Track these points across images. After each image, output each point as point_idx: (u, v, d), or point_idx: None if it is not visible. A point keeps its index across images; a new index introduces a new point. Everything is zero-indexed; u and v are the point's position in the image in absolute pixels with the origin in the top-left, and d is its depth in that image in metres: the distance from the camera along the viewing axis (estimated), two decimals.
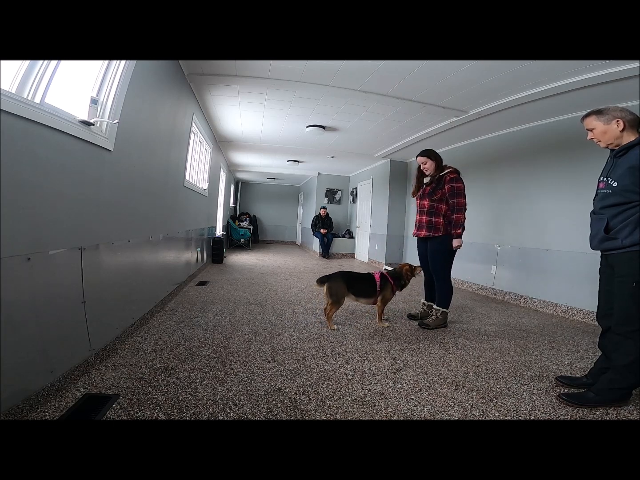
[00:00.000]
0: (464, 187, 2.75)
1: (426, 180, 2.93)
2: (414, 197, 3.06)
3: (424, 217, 2.83)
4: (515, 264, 4.09)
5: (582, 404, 1.60)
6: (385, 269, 3.06)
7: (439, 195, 2.76)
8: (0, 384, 1.14)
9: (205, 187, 5.18)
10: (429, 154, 2.83)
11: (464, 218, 2.72)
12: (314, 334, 2.53)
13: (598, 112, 1.60)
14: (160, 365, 1.86)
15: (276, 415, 1.43)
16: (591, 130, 1.64)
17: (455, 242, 2.72)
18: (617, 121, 1.54)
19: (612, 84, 2.63)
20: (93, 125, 1.73)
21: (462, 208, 2.71)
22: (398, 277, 2.83)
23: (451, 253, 2.79)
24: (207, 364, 1.90)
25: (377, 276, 2.77)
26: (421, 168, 2.89)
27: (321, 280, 2.70)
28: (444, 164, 2.85)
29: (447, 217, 2.76)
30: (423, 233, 2.84)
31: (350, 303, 3.18)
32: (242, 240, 9.25)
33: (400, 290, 2.88)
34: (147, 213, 2.63)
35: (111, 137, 1.89)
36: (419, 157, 2.87)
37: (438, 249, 2.80)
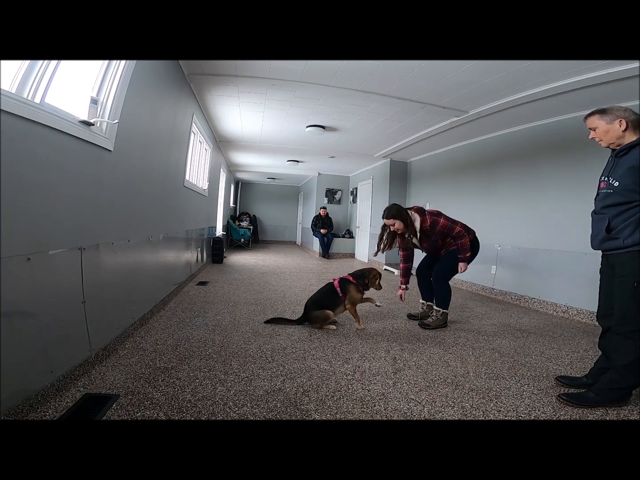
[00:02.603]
0: (443, 214, 2.74)
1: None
2: (382, 253, 2.94)
3: (439, 250, 2.85)
4: (515, 264, 4.08)
5: (582, 404, 1.60)
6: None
7: (435, 236, 2.75)
8: (0, 384, 1.14)
9: (205, 187, 5.18)
10: (393, 215, 2.72)
11: (469, 242, 2.73)
12: (314, 334, 2.53)
13: (602, 112, 1.60)
14: (160, 365, 1.86)
15: (276, 415, 1.43)
16: (593, 129, 1.64)
17: (461, 266, 2.73)
18: (620, 121, 1.54)
19: (612, 84, 2.63)
20: (93, 125, 1.73)
21: (462, 233, 2.70)
22: (361, 276, 2.74)
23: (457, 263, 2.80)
24: (207, 364, 1.90)
25: (336, 283, 2.71)
26: (391, 229, 2.80)
27: (299, 322, 2.69)
28: (408, 207, 2.83)
29: (452, 238, 2.75)
30: (442, 252, 2.86)
31: None
32: (242, 240, 9.25)
33: (367, 289, 2.76)
34: (147, 213, 2.63)
35: (111, 137, 1.89)
36: (386, 220, 2.76)
37: (450, 258, 2.81)
